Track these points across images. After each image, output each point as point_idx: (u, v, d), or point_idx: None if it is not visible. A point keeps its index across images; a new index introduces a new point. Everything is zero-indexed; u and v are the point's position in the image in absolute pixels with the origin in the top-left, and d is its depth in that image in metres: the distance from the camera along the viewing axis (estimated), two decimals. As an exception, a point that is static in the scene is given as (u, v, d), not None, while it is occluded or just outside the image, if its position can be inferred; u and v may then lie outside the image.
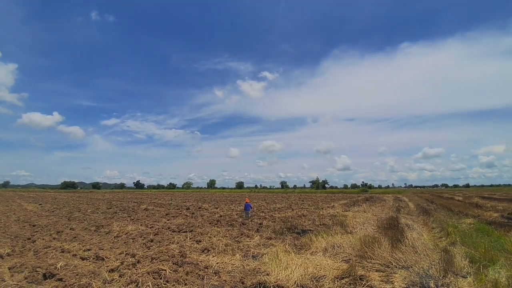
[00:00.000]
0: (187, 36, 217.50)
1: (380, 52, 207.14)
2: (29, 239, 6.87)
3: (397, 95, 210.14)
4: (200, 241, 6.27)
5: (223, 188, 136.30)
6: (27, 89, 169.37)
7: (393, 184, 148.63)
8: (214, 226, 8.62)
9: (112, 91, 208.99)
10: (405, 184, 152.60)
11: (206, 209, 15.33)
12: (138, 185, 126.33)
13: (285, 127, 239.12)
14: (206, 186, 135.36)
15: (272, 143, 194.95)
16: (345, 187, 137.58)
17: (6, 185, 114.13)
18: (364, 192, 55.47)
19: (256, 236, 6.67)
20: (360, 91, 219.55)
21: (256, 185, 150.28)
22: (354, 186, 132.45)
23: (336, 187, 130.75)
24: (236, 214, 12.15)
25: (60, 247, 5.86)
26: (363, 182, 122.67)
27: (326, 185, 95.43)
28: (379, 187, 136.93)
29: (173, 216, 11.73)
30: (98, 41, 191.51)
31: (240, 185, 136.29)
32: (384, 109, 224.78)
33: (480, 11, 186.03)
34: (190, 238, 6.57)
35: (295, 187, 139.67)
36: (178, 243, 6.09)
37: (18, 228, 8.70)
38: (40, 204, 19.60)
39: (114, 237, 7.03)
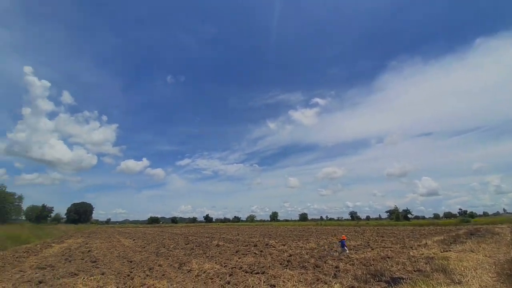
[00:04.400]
0: (241, 79, 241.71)
1: (449, 54, 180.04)
2: (128, 275, 7.93)
3: (481, 98, 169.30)
4: (274, 286, 6.01)
5: (287, 220, 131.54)
6: (124, 142, 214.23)
7: (504, 210, 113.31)
8: (285, 268, 8.21)
9: (184, 135, 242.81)
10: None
11: (273, 246, 14.90)
12: (207, 219, 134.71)
13: (345, 151, 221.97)
14: (269, 219, 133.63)
15: (333, 169, 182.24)
16: (436, 216, 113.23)
17: (108, 222, 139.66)
18: (465, 223, 44.06)
19: (336, 284, 5.97)
20: (431, 101, 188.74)
21: (321, 217, 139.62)
22: (448, 215, 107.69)
23: (423, 217, 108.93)
24: (307, 254, 11.33)
25: (153, 284, 6.56)
26: (460, 209, 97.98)
27: (409, 215, 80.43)
28: (485, 214, 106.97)
29: (243, 254, 11.80)
30: (173, 97, 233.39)
31: (304, 217, 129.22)
32: (468, 117, 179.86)
33: None
34: (264, 282, 6.39)
35: (368, 218, 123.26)
36: (253, 287, 6.00)
37: (119, 264, 10.23)
38: (134, 240, 22.87)
39: (195, 276, 7.47)
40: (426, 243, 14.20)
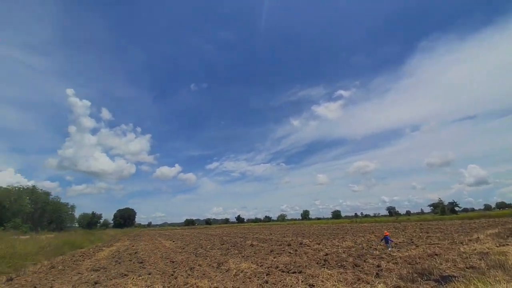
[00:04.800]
0: (261, 79, 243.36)
1: (488, 26, 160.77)
2: (172, 275, 8.41)
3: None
4: (313, 286, 5.94)
5: (319, 218, 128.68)
6: (158, 150, 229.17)
7: None
8: (323, 267, 8.05)
9: (211, 140, 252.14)
10: None
11: (308, 245, 14.68)
12: (239, 219, 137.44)
13: (376, 144, 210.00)
14: (300, 217, 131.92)
15: (365, 163, 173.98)
16: (488, 208, 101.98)
17: (149, 225, 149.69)
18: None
19: (379, 283, 5.70)
20: (471, 81, 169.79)
21: (356, 214, 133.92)
22: (501, 205, 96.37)
23: (472, 210, 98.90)
24: (344, 252, 10.97)
25: (195, 283, 6.87)
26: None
27: (456, 208, 73.33)
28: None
29: (277, 253, 11.82)
30: (198, 104, 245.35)
31: (337, 215, 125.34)
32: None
33: None
34: (302, 281, 6.34)
35: (408, 213, 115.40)
36: (291, 286, 6.00)
37: (163, 264, 10.90)
38: (173, 241, 24.18)
39: (233, 275, 7.69)
40: (478, 237, 12.87)
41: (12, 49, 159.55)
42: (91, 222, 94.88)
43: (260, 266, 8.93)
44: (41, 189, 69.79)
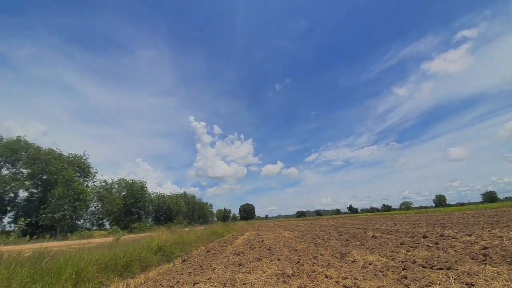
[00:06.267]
0: (345, 54, 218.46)
1: None
2: (298, 262, 9.08)
3: None
4: (473, 285, 4.83)
5: (462, 204, 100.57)
6: (261, 151, 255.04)
7: None
8: (482, 263, 6.35)
9: (305, 133, 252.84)
10: None
11: (453, 237, 11.87)
12: (352, 210, 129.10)
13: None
14: (432, 204, 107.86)
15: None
16: None
17: (266, 217, 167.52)
18: None
19: None
20: None
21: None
22: None
23: None
24: (517, 247, 8.13)
25: (322, 272, 7.14)
26: None
27: None
28: None
29: (411, 246, 10.29)
30: (286, 101, 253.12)
31: (491, 197, 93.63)
32: None
33: None
34: (455, 279, 5.28)
35: None
36: (440, 284, 5.12)
37: (288, 252, 11.90)
38: (291, 231, 25.85)
39: (361, 267, 7.41)
40: None
41: (154, 98, 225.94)
42: (224, 216, 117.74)
43: (392, 259, 8.11)
44: (190, 194, 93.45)
